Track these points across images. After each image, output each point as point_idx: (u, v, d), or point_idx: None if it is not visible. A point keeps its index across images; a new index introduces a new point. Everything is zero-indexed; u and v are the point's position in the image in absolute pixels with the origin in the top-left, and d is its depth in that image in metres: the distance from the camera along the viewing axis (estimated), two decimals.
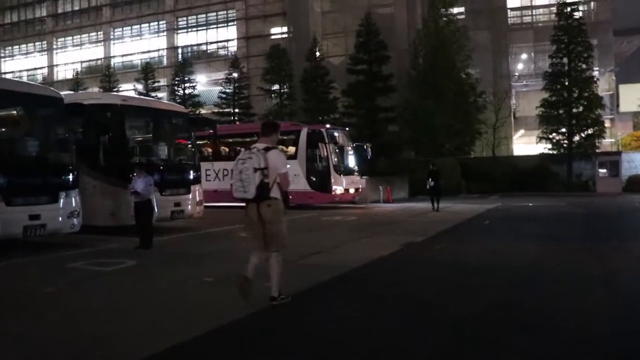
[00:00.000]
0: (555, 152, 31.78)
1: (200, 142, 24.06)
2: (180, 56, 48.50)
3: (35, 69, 57.27)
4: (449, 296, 6.28)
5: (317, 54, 36.17)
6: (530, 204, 21.62)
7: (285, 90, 37.50)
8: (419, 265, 8.33)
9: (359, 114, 33.78)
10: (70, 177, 10.32)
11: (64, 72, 55.66)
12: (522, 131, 42.61)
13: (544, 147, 32.44)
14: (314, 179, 20.27)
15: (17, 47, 59.46)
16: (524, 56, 42.14)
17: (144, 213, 9.98)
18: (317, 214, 17.52)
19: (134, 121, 13.49)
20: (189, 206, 13.47)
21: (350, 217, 16.13)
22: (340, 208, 20.51)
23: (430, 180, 19.14)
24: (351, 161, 21.96)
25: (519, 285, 6.85)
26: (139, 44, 52.78)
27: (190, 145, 14.57)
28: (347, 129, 22.78)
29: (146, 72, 42.01)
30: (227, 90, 38.60)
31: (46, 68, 57.13)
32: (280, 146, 22.32)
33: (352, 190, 21.03)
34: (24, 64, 58.34)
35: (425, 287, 6.85)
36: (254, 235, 5.67)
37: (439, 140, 31.47)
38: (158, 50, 52.16)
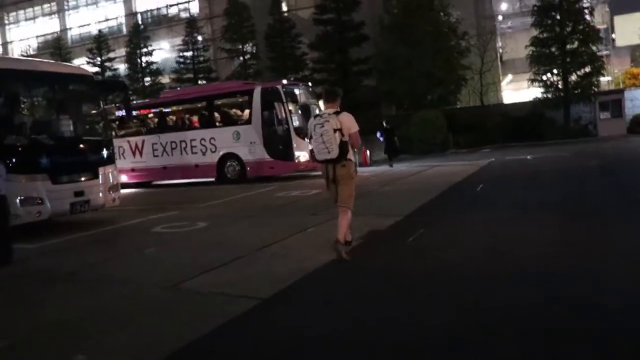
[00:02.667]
0: (549, 95, 28.62)
1: (146, 112, 20.89)
2: (140, 22, 44.54)
3: None
4: None
5: (284, 7, 32.51)
6: (529, 157, 18.61)
7: (249, 49, 33.90)
8: (373, 285, 5.22)
9: (329, 69, 30.45)
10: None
11: (19, 49, 51.63)
12: (510, 76, 39.37)
13: (538, 92, 29.29)
14: (273, 146, 17.08)
15: None
16: None
17: None
18: (274, 188, 14.42)
19: (11, 88, 10.19)
20: (98, 194, 10.33)
21: (311, 191, 13.02)
22: (306, 177, 17.41)
23: (380, 137, 19.96)
24: None
25: (562, 333, 3.66)
26: (95, 12, 48.80)
27: (97, 116, 11.36)
28: (309, 84, 19.43)
29: (99, 41, 38.01)
30: (186, 54, 34.91)
31: (0, 45, 52.98)
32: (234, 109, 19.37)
33: None
34: None
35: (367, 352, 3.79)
36: (333, 193, 6.16)
37: (418, 91, 28.17)
38: (116, 18, 48.24)
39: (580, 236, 6.28)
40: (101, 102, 11.15)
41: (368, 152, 21.87)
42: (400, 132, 26.12)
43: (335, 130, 5.73)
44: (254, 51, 33.90)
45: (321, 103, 21.32)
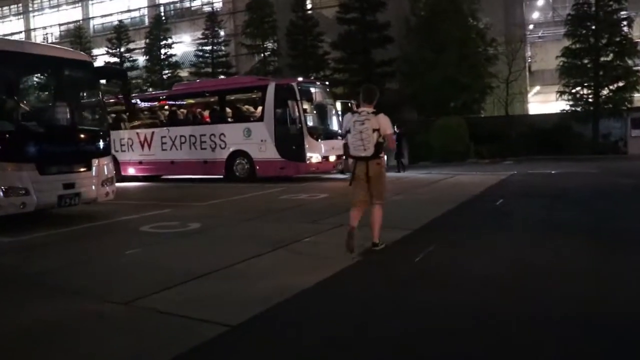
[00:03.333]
0: (579, 109, 27.39)
1: (157, 105, 20.27)
2: (162, 14, 44.24)
3: (12, 33, 53.16)
4: None
5: (308, 4, 31.74)
6: (553, 172, 17.55)
7: (270, 46, 33.19)
8: (359, 316, 4.39)
9: (351, 70, 29.57)
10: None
11: (41, 37, 51.75)
12: (537, 88, 38.15)
13: (565, 105, 28.10)
14: (285, 146, 16.28)
15: None
16: (540, 2, 37.32)
17: None
18: (281, 190, 13.63)
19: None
20: (91, 187, 9.67)
21: (319, 195, 12.21)
22: (316, 180, 16.59)
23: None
24: (332, 122, 17.93)
25: None
26: (118, 3, 48.68)
27: (93, 104, 10.70)
28: (327, 83, 18.60)
29: (119, 32, 37.56)
30: (205, 48, 34.31)
31: (23, 33, 53.13)
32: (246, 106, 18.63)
33: (332, 158, 17.01)
34: (1, 29, 54.32)
35: None
36: (360, 190, 6.20)
37: (442, 97, 27.16)
38: (139, 9, 48.08)
39: (618, 267, 5.36)
40: (99, 90, 10.50)
41: (386, 157, 21.01)
42: (420, 138, 25.28)
43: (374, 130, 5.89)
44: (275, 48, 33.16)
45: (338, 104, 20.63)
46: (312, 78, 25.52)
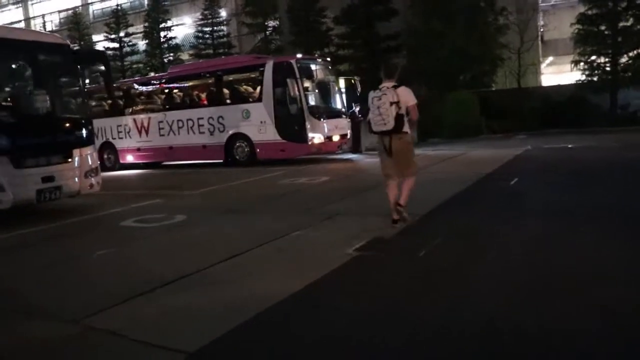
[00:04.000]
0: (595, 78, 26.15)
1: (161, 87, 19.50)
2: None
3: (12, 22, 52.41)
4: None
5: None
6: (570, 145, 16.60)
7: (272, 24, 32.14)
8: (345, 333, 3.65)
9: (355, 45, 28.52)
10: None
11: (41, 25, 50.99)
12: (550, 58, 36.75)
13: (581, 75, 26.85)
14: (285, 127, 15.49)
15: None
16: None
17: None
18: (281, 174, 12.88)
19: None
20: (73, 179, 9.01)
21: (320, 178, 11.43)
22: (319, 162, 15.80)
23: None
24: (335, 100, 17.09)
25: None
26: None
27: (73, 91, 9.97)
28: (328, 59, 17.67)
29: (117, 16, 36.60)
30: (205, 29, 33.34)
31: (23, 22, 52.34)
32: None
33: (336, 138, 16.21)
34: (0, 18, 53.58)
35: None
36: (386, 165, 6.27)
37: (451, 70, 26.05)
38: None
39: None
40: (79, 75, 9.74)
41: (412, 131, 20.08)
42: (430, 114, 24.28)
43: (391, 104, 5.89)
44: (276, 26, 32.10)
45: (342, 81, 19.75)
46: (316, 55, 24.53)
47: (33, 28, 50.04)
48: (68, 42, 9.66)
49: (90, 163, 9.43)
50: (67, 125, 9.21)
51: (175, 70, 19.38)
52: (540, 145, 17.40)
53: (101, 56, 9.99)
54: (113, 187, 13.51)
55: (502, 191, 8.67)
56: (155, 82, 19.70)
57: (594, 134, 21.04)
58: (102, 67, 10.06)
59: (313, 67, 16.26)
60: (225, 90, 16.97)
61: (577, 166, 11.38)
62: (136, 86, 20.09)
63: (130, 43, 35.94)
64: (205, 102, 17.31)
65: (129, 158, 18.97)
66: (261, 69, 15.83)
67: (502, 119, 25.40)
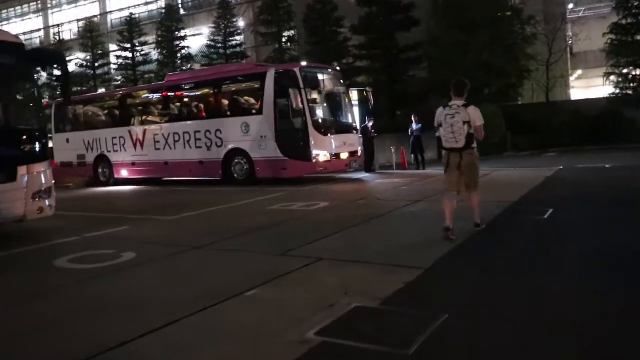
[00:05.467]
0: (630, 91, 24.18)
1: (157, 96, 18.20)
2: (180, 5, 42.51)
3: (32, 31, 52.29)
4: None
5: None
6: (607, 165, 14.77)
7: (287, 34, 30.81)
8: None
9: (374, 56, 26.99)
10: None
11: (60, 34, 50.70)
12: (579, 71, 34.75)
13: (613, 88, 24.92)
14: (287, 143, 14.01)
15: (13, 9, 54.84)
16: None
17: None
18: (278, 196, 11.36)
19: None
20: (14, 203, 7.58)
21: (318, 204, 9.83)
22: (325, 181, 14.27)
23: (412, 132, 17.59)
24: (344, 114, 15.52)
25: None
26: None
27: (23, 97, 8.61)
28: (337, 68, 16.16)
29: (131, 24, 35.72)
30: (218, 38, 32.18)
31: (42, 30, 52.24)
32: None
33: (344, 155, 14.62)
34: (21, 27, 53.49)
35: None
36: (453, 180, 6.40)
37: (475, 83, 24.17)
38: (157, 1, 46.37)
39: None
40: (32, 79, 8.38)
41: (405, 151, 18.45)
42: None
43: (464, 123, 6.09)
44: (291, 35, 30.76)
45: (354, 93, 18.24)
46: (334, 65, 23.02)
47: (52, 37, 49.79)
48: (22, 41, 8.27)
49: (42, 183, 8.00)
50: (13, 138, 7.80)
51: (172, 79, 18.06)
52: (573, 164, 15.59)
53: (58, 58, 8.58)
54: (88, 207, 12.21)
55: (534, 229, 6.86)
56: (151, 91, 18.44)
57: (630, 151, 19.10)
58: (59, 72, 8.65)
59: (320, 76, 14.77)
60: (224, 101, 15.59)
61: (621, 193, 9.59)
62: (132, 95, 18.88)
63: (143, 52, 34.99)
64: (203, 114, 15.93)
65: (124, 173, 17.67)
66: (262, 78, 14.39)
67: (529, 135, 23.55)
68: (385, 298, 4.16)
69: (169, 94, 17.03)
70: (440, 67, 25.77)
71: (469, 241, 6.13)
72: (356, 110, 17.43)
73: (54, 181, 8.43)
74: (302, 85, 13.63)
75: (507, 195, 9.41)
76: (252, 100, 15.04)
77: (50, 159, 9.05)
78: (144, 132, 16.91)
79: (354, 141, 15.24)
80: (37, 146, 8.07)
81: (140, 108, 17.95)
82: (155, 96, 17.84)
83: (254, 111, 14.69)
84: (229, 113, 15.23)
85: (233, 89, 15.64)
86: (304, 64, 15.39)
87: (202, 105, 16.15)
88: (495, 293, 4.37)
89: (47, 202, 8.08)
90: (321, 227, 7.42)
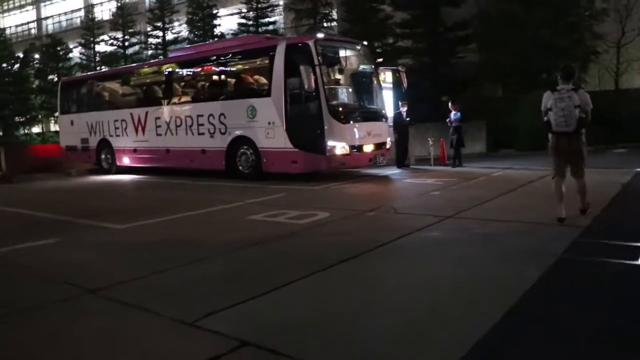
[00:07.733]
0: None
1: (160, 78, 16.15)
2: None
3: (25, 23, 51.40)
4: None
5: None
6: None
7: (323, 10, 28.27)
8: None
9: (416, 34, 24.18)
10: None
11: (52, 25, 49.72)
12: None
13: None
14: (299, 131, 11.70)
15: (6, 2, 53.83)
16: None
17: None
18: (274, 198, 9.12)
19: None
20: None
21: (315, 215, 7.41)
22: (344, 179, 11.89)
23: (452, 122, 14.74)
24: (371, 97, 12.98)
25: None
26: None
27: None
28: (364, 42, 13.55)
29: (123, 14, 33.99)
30: (249, 14, 29.96)
31: (35, 22, 51.02)
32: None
33: (368, 148, 12.11)
34: (16, 19, 52.90)
35: None
36: (560, 164, 6.55)
37: (532, 66, 21.17)
38: None
39: None
40: None
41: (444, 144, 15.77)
42: (504, 121, 19.75)
43: (575, 107, 6.17)
44: (327, 12, 28.20)
45: (386, 74, 15.71)
46: (321, 34, 20.43)
47: (44, 30, 48.60)
48: None
49: None
50: None
51: (175, 55, 15.98)
52: None
53: None
54: (48, 203, 10.30)
55: (619, 297, 4.15)
56: (155, 68, 16.44)
57: None
58: None
59: (341, 52, 12.27)
60: (229, 80, 13.38)
61: None
62: (132, 73, 16.93)
63: (174, 31, 33.21)
64: (206, 96, 13.78)
65: (125, 160, 15.83)
66: (271, 52, 12.05)
67: (593, 128, 20.30)
68: None
69: (169, 71, 14.93)
70: (493, 48, 22.80)
71: (527, 296, 3.58)
72: (389, 94, 14.96)
73: None
74: (317, 62, 11.22)
75: (569, 213, 6.65)
76: (262, 79, 12.72)
77: None
78: (146, 114, 14.96)
79: (382, 131, 12.70)
80: None
81: (143, 88, 16.00)
82: (156, 74, 15.81)
83: (261, 92, 12.40)
84: (234, 94, 13.02)
85: (239, 65, 13.37)
86: (320, 35, 12.97)
87: (205, 85, 14.02)
88: None
89: None
90: (287, 262, 5.07)
